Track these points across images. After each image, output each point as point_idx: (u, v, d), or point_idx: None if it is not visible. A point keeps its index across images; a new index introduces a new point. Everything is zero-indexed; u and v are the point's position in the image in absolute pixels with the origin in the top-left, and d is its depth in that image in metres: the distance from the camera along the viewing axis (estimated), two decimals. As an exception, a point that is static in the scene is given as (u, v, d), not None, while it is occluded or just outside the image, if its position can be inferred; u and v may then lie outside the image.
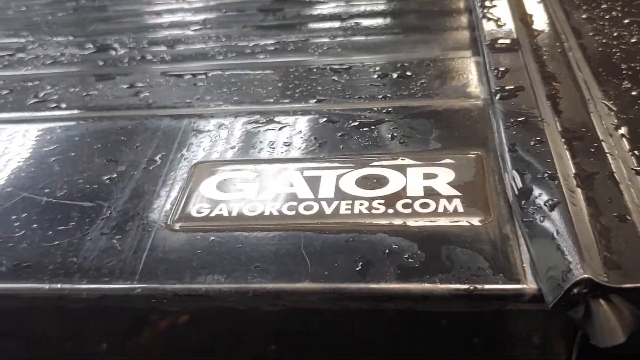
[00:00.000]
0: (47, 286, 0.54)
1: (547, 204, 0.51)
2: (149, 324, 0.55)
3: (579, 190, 0.53)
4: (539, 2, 0.86)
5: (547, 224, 0.50)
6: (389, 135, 0.67)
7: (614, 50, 0.76)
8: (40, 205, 0.63)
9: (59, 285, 0.54)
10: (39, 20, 1.11)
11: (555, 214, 0.50)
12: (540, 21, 0.81)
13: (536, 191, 0.53)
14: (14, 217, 0.62)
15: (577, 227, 0.48)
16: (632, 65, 0.73)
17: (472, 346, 0.52)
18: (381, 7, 0.99)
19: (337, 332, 0.54)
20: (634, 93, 0.67)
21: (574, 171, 0.55)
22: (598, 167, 0.55)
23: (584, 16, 0.85)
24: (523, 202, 0.53)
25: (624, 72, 0.71)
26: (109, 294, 0.53)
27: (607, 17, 0.85)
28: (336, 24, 0.95)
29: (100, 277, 0.54)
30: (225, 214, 0.59)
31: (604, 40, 0.79)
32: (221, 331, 0.55)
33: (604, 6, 0.88)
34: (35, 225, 0.61)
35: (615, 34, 0.80)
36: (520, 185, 0.55)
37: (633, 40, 0.78)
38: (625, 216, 0.50)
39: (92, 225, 0.59)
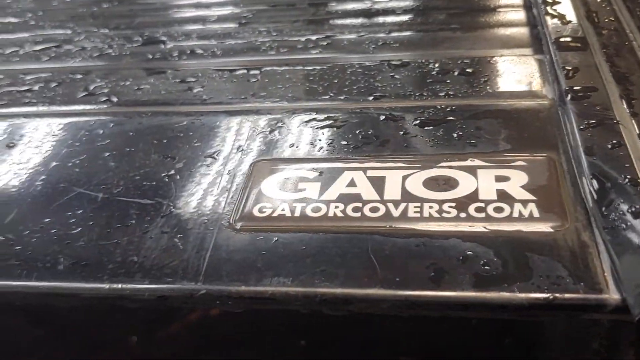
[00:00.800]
0: (107, 286, 0.53)
1: (630, 210, 0.49)
2: (183, 318, 0.54)
3: None
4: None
5: (631, 233, 0.48)
6: (455, 135, 0.64)
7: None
8: (97, 201, 0.62)
9: (119, 285, 0.53)
10: (83, 12, 1.10)
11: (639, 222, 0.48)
12: (606, 18, 0.78)
13: (617, 197, 0.51)
14: (69, 213, 0.61)
15: (665, 236, 0.46)
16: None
17: (531, 352, 0.51)
18: (437, 2, 0.97)
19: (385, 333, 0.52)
20: None
21: (656, 177, 0.52)
22: None
23: (647, 14, 0.82)
24: (603, 208, 0.51)
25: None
26: (171, 295, 0.52)
27: (672, 15, 0.82)
28: (390, 18, 0.93)
29: (162, 277, 0.53)
30: (288, 214, 0.57)
31: (671, 40, 0.76)
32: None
33: (667, 3, 0.85)
34: (91, 223, 0.60)
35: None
36: (599, 190, 0.52)
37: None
38: None
39: (152, 224, 0.58)
